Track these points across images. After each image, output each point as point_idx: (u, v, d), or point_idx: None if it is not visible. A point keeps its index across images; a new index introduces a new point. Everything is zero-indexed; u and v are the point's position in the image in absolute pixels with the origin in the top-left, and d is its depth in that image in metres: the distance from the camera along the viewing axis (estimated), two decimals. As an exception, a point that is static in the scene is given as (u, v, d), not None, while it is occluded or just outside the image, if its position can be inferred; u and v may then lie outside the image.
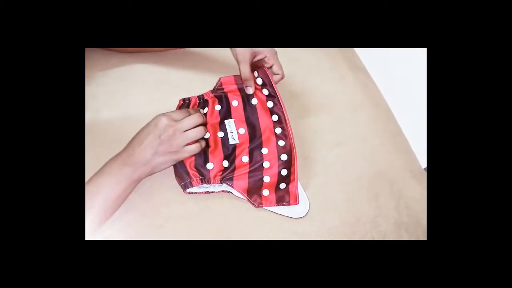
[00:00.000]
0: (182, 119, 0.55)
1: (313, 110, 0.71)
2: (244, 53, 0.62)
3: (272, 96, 0.64)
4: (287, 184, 0.59)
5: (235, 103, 0.64)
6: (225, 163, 0.58)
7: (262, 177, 0.58)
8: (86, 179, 0.52)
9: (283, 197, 0.58)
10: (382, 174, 0.64)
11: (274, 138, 0.61)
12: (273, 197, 0.58)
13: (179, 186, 0.58)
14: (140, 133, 0.54)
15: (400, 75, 0.75)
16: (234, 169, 0.58)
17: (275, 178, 0.58)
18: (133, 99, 0.68)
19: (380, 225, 0.59)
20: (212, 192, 0.59)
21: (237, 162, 0.59)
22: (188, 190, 0.57)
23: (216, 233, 0.56)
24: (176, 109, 0.64)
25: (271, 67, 0.66)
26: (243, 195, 0.57)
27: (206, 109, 0.63)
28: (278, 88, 0.65)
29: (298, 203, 0.58)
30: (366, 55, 0.81)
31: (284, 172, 0.59)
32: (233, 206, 0.59)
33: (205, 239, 0.55)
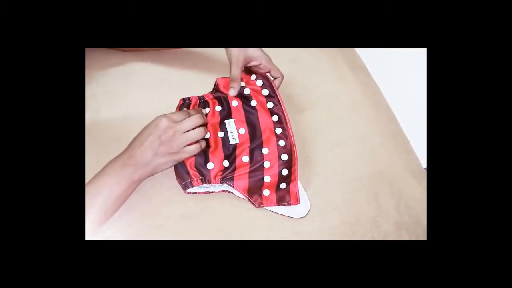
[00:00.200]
0: (182, 120, 0.55)
1: (313, 110, 0.71)
2: (238, 55, 0.62)
3: (271, 96, 0.64)
4: (288, 184, 0.59)
5: (234, 103, 0.64)
6: (226, 163, 0.58)
7: (263, 177, 0.58)
8: (86, 179, 0.52)
9: (284, 197, 0.58)
10: (382, 173, 0.64)
11: (274, 138, 0.61)
12: (274, 197, 0.58)
13: (180, 186, 0.58)
14: (140, 134, 0.54)
15: (400, 75, 0.75)
16: (234, 169, 0.58)
17: (276, 178, 0.58)
18: (133, 99, 0.68)
19: (380, 225, 0.59)
20: (213, 192, 0.59)
21: (237, 162, 0.59)
22: (188, 190, 0.57)
23: (216, 233, 0.56)
24: (176, 109, 0.64)
25: (268, 72, 0.66)
26: (244, 195, 0.57)
27: (207, 109, 0.63)
28: (278, 88, 0.65)
29: (298, 203, 0.58)
30: (367, 55, 0.81)
31: (284, 172, 0.59)
32: (234, 206, 0.59)
33: (205, 239, 0.55)
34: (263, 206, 0.58)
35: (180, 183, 0.57)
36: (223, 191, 0.59)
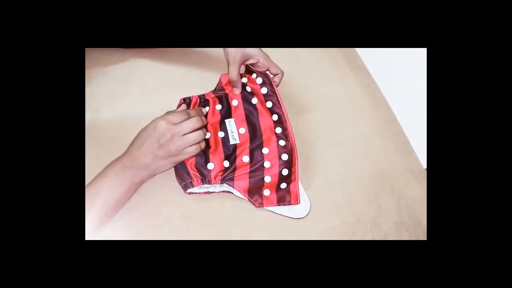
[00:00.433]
0: (181, 122, 0.55)
1: (313, 110, 0.71)
2: (235, 54, 0.62)
3: (271, 95, 0.64)
4: (288, 184, 0.59)
5: (235, 102, 0.64)
6: (226, 163, 0.58)
7: (263, 177, 0.58)
8: (86, 178, 0.52)
9: (284, 197, 0.58)
10: (382, 174, 0.64)
11: (274, 138, 0.61)
12: (274, 197, 0.58)
13: (180, 187, 0.58)
14: (139, 137, 0.54)
15: (400, 75, 0.75)
16: (234, 169, 0.58)
17: (276, 178, 0.58)
18: (134, 99, 0.68)
19: (381, 225, 0.59)
20: (213, 192, 0.59)
21: (237, 162, 0.59)
22: (188, 191, 0.57)
23: (217, 234, 0.56)
24: (177, 108, 0.63)
25: (267, 70, 0.66)
26: (244, 195, 0.57)
27: (207, 108, 0.63)
28: (278, 88, 0.65)
29: (299, 203, 0.58)
30: (367, 55, 0.81)
31: (285, 172, 0.59)
32: (234, 206, 0.59)
33: (205, 239, 0.55)
34: (263, 206, 0.58)
35: (180, 184, 0.57)
36: (223, 191, 0.59)
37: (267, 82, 0.64)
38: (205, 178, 0.57)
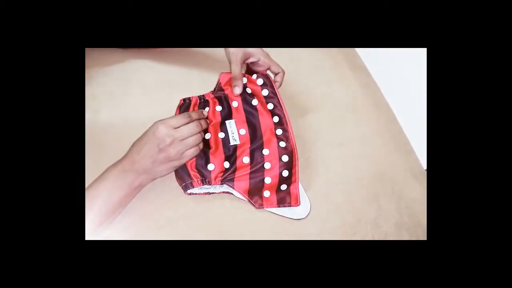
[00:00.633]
0: (181, 126, 0.55)
1: (313, 110, 0.71)
2: (236, 53, 0.63)
3: (271, 97, 0.64)
4: (288, 186, 0.59)
5: (235, 103, 0.64)
6: (226, 164, 0.58)
7: (263, 178, 0.58)
8: (86, 178, 0.52)
9: (284, 199, 0.58)
10: (382, 174, 0.64)
11: (275, 139, 0.61)
12: (274, 199, 0.58)
13: (180, 187, 0.58)
14: (139, 141, 0.54)
15: (400, 75, 0.75)
16: (235, 170, 0.58)
17: (276, 179, 0.58)
18: (134, 99, 0.68)
19: (381, 225, 0.59)
20: (213, 193, 0.59)
21: (238, 163, 0.59)
22: (189, 191, 0.57)
23: (217, 234, 0.56)
24: (177, 109, 0.63)
25: (268, 69, 0.66)
26: (244, 196, 0.57)
27: (207, 109, 0.63)
28: (279, 89, 0.65)
29: (299, 205, 0.58)
30: (367, 55, 0.81)
31: (285, 173, 0.59)
32: (234, 207, 0.59)
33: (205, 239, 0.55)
34: (263, 208, 0.58)
35: (180, 184, 0.57)
36: (224, 192, 0.59)
37: (268, 84, 0.64)
38: (205, 179, 0.57)
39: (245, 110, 0.63)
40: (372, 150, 0.67)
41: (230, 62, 0.64)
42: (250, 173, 0.58)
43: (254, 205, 0.57)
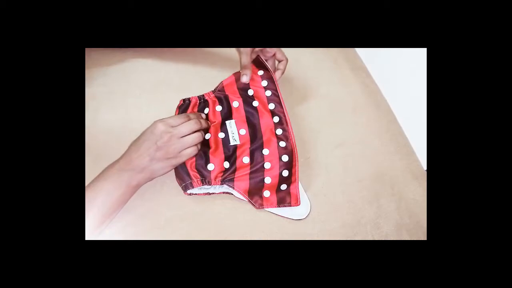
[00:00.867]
0: (179, 125, 0.55)
1: (313, 110, 0.70)
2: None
3: (274, 98, 0.64)
4: (288, 185, 0.59)
5: (235, 104, 0.64)
6: (226, 164, 0.58)
7: (263, 178, 0.58)
8: (86, 178, 0.52)
9: (284, 199, 0.58)
10: (383, 175, 0.64)
11: (275, 139, 0.61)
12: (274, 199, 0.57)
13: (180, 187, 0.57)
14: (137, 140, 0.55)
15: (400, 75, 0.75)
16: (235, 170, 0.58)
17: (276, 179, 0.58)
18: (133, 99, 0.68)
19: (381, 226, 0.59)
20: (213, 193, 0.59)
21: (238, 163, 0.59)
22: (188, 191, 0.57)
23: (217, 235, 0.56)
24: (176, 110, 0.64)
25: (273, 55, 0.67)
26: (244, 196, 0.57)
27: (206, 110, 0.63)
28: (282, 76, 0.65)
29: (299, 204, 0.58)
30: (367, 55, 0.81)
31: (285, 173, 0.59)
32: (234, 207, 0.58)
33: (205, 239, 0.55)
34: (263, 208, 0.58)
35: (180, 184, 0.57)
36: (223, 192, 0.59)
37: (271, 86, 0.64)
38: (205, 179, 0.57)
39: (245, 111, 0.63)
40: (372, 151, 0.67)
41: (240, 53, 0.65)
42: (250, 173, 0.58)
43: (254, 205, 0.57)
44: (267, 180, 0.58)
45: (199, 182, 0.56)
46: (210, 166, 0.57)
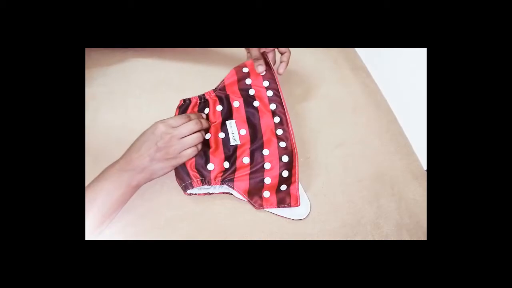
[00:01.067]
0: (180, 125, 0.55)
1: (313, 110, 0.70)
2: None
3: (275, 98, 0.64)
4: (288, 186, 0.58)
5: (236, 103, 0.64)
6: (226, 164, 0.58)
7: (263, 179, 0.58)
8: (86, 178, 0.52)
9: (284, 199, 0.58)
10: (383, 175, 0.64)
11: (275, 139, 0.60)
12: (274, 199, 0.57)
13: (180, 187, 0.57)
14: (137, 140, 0.55)
15: (400, 75, 0.75)
16: (235, 170, 0.58)
17: (276, 180, 0.58)
18: (133, 99, 0.68)
19: (381, 226, 0.59)
20: (213, 193, 0.59)
21: (238, 163, 0.59)
22: (188, 191, 0.57)
23: (217, 235, 0.56)
24: (176, 110, 0.64)
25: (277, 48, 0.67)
26: (244, 197, 0.57)
27: (207, 110, 0.63)
28: (286, 68, 0.65)
29: (299, 205, 0.58)
30: (367, 55, 0.81)
31: (285, 173, 0.58)
32: (234, 207, 0.58)
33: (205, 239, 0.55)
34: (263, 208, 0.57)
35: (180, 184, 0.57)
36: (223, 192, 0.59)
37: (273, 86, 0.64)
38: (205, 179, 0.57)
39: (246, 111, 0.63)
40: (372, 151, 0.67)
41: (248, 48, 0.66)
42: (250, 173, 0.58)
43: (254, 206, 0.57)
44: (267, 180, 0.58)
45: (199, 182, 0.56)
46: (210, 166, 0.57)
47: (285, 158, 0.59)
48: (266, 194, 0.57)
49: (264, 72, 0.65)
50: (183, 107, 0.63)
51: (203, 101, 0.64)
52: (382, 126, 0.70)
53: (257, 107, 0.63)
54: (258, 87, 0.65)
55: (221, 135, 0.61)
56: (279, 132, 0.61)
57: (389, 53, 0.77)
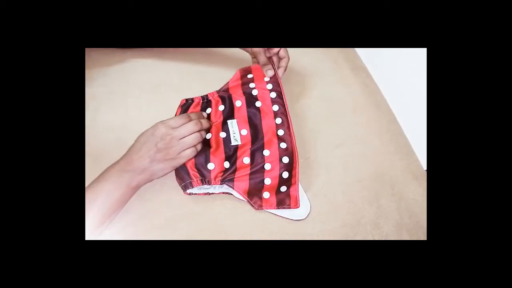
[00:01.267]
0: (179, 126, 0.55)
1: (313, 110, 0.70)
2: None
3: (277, 100, 0.64)
4: (288, 187, 0.58)
5: (238, 103, 0.64)
6: (226, 164, 0.58)
7: (263, 179, 0.58)
8: (86, 179, 0.52)
9: (284, 200, 0.58)
10: (383, 175, 0.64)
11: (276, 140, 0.60)
12: (274, 200, 0.57)
13: (180, 187, 0.57)
14: (138, 141, 0.55)
15: (400, 75, 0.75)
16: (235, 170, 0.58)
17: (276, 181, 0.58)
18: (133, 99, 0.68)
19: (381, 226, 0.59)
20: (213, 193, 0.59)
21: (238, 163, 0.59)
22: (188, 191, 0.57)
23: (216, 235, 0.56)
24: (178, 109, 0.64)
25: (278, 52, 0.68)
26: (244, 197, 0.57)
27: (209, 110, 0.63)
28: (284, 73, 0.66)
29: (298, 207, 0.58)
30: (367, 55, 0.81)
31: (285, 174, 0.58)
32: (234, 207, 0.58)
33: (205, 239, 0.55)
34: (262, 209, 0.57)
35: (180, 184, 0.57)
36: (223, 192, 0.59)
37: (276, 89, 0.65)
38: (205, 179, 0.57)
39: (248, 111, 0.63)
40: (372, 151, 0.67)
41: (255, 54, 0.67)
42: (250, 173, 0.58)
43: (254, 206, 0.57)
44: (267, 181, 0.58)
45: (199, 181, 0.56)
46: (210, 166, 0.57)
47: (285, 159, 0.59)
48: (266, 195, 0.57)
49: (273, 75, 0.66)
50: (185, 106, 0.64)
51: (206, 101, 0.64)
52: (382, 126, 0.70)
53: (259, 107, 0.63)
54: (262, 89, 0.65)
55: (222, 134, 0.61)
56: (280, 133, 0.61)
57: (389, 53, 0.77)
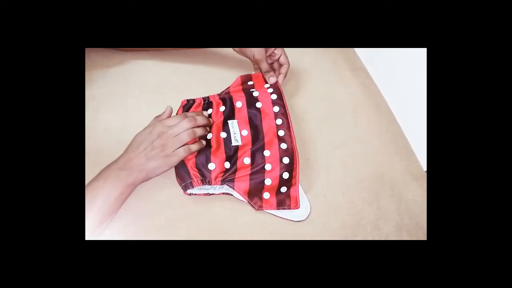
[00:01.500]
0: (175, 124, 0.56)
1: (313, 111, 0.71)
2: (261, 52, 0.67)
3: (278, 102, 0.64)
4: (288, 188, 0.58)
5: (239, 104, 0.64)
6: (227, 164, 0.58)
7: (264, 180, 0.58)
8: (86, 179, 0.52)
9: (284, 201, 0.58)
10: (383, 176, 0.64)
11: (276, 140, 0.60)
12: (274, 201, 0.57)
13: (180, 187, 0.57)
14: (135, 140, 0.56)
15: (400, 75, 0.75)
16: (235, 171, 0.58)
17: (277, 181, 0.58)
18: (133, 100, 0.68)
19: (381, 227, 0.59)
20: (213, 194, 0.59)
21: (238, 163, 0.59)
22: (188, 191, 0.57)
23: (216, 235, 0.56)
24: (179, 109, 0.64)
25: (279, 58, 0.69)
26: (244, 197, 0.57)
27: (210, 110, 0.64)
28: (284, 80, 0.67)
29: (298, 208, 0.58)
30: (366, 56, 0.81)
31: (285, 175, 0.58)
32: (234, 208, 0.58)
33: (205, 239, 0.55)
34: (263, 209, 0.57)
35: (180, 184, 0.57)
36: (223, 193, 0.59)
37: (277, 92, 0.65)
38: (205, 179, 0.57)
39: (248, 112, 0.63)
40: (372, 152, 0.67)
41: (258, 61, 0.67)
42: (251, 174, 0.58)
43: (254, 207, 0.57)
44: (267, 181, 0.58)
45: (199, 181, 0.56)
46: (211, 166, 0.57)
47: (286, 160, 0.59)
48: (266, 195, 0.57)
49: (275, 82, 0.67)
50: (187, 107, 0.64)
51: (207, 103, 0.65)
52: (382, 127, 0.70)
53: (259, 108, 0.63)
54: (262, 91, 0.65)
55: (223, 134, 0.61)
56: (281, 133, 0.61)
57: (389, 53, 0.76)
